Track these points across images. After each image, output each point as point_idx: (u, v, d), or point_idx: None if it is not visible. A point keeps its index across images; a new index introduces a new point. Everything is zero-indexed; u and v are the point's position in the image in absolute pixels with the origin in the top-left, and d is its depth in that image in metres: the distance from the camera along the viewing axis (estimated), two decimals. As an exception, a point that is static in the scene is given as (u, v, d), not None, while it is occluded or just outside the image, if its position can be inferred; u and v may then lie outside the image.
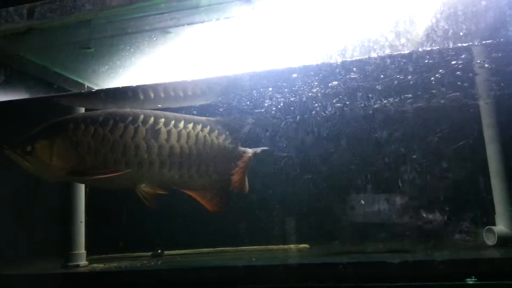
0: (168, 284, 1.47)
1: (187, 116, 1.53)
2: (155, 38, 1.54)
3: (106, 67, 1.71)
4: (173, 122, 1.48)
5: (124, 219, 1.98)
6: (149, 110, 1.52)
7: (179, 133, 1.48)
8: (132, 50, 1.59)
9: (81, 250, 1.80)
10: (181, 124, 1.49)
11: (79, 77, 1.79)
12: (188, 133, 1.49)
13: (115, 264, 1.81)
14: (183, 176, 1.49)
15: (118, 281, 1.54)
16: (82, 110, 1.86)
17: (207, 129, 1.52)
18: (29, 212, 1.92)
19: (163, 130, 1.47)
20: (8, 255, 1.78)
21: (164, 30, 1.52)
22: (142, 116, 1.47)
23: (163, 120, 1.48)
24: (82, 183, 1.75)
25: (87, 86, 1.79)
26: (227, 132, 1.56)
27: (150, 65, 1.71)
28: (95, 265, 1.82)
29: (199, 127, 1.51)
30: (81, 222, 1.80)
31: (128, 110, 1.51)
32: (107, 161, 1.44)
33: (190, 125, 1.50)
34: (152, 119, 1.47)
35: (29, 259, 1.86)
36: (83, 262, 1.79)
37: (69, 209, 1.80)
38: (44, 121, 1.54)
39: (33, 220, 1.95)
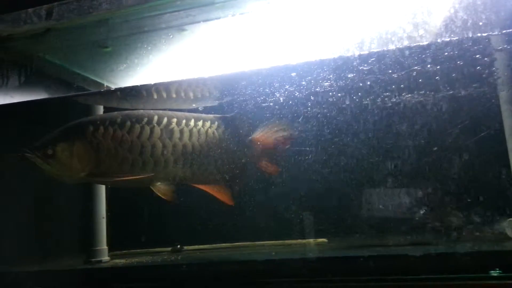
0: (190, 278, 1.49)
1: (195, 114, 1.59)
2: (171, 36, 1.55)
3: (124, 65, 1.72)
4: (184, 121, 1.54)
5: (143, 215, 2.00)
6: (161, 110, 1.57)
7: (190, 131, 1.54)
8: (149, 48, 1.61)
9: (103, 246, 1.84)
10: (192, 123, 1.55)
11: (97, 76, 1.81)
12: (198, 131, 1.55)
13: (136, 260, 1.85)
14: (196, 172, 1.56)
15: (141, 275, 1.57)
16: (101, 108, 1.89)
17: (214, 126, 1.58)
18: (51, 210, 1.96)
19: (176, 129, 1.53)
20: (32, 252, 1.83)
21: (180, 28, 1.53)
22: (156, 117, 1.52)
23: (175, 119, 1.54)
24: (101, 184, 1.79)
25: (106, 85, 1.82)
26: (233, 128, 1.61)
27: (167, 63, 1.72)
28: (117, 260, 1.85)
29: (207, 124, 1.57)
30: (103, 218, 1.83)
31: (141, 111, 1.56)
32: (125, 161, 1.48)
33: (200, 123, 1.56)
34: (165, 119, 1.53)
35: (53, 256, 1.90)
36: (105, 257, 1.83)
37: (91, 206, 1.83)
38: (64, 122, 1.57)
39: (55, 217, 1.98)
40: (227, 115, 1.64)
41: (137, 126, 1.50)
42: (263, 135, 1.62)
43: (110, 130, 1.49)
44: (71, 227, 2.00)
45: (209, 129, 1.57)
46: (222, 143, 1.59)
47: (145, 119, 1.51)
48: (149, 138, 1.50)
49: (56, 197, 1.94)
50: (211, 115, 1.61)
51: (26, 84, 1.75)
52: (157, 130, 1.51)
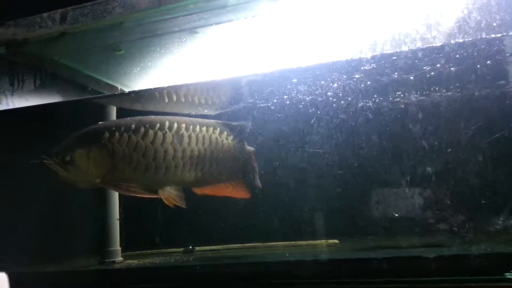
0: (203, 279, 1.50)
1: (199, 120, 1.65)
2: (184, 39, 1.56)
3: (138, 68, 1.74)
4: (191, 126, 1.60)
5: (155, 217, 2.02)
6: (171, 116, 1.62)
7: (197, 136, 1.60)
8: (162, 51, 1.62)
9: (117, 247, 1.86)
10: (198, 128, 1.61)
11: (111, 79, 1.83)
12: (203, 136, 1.61)
13: (149, 260, 1.86)
14: (203, 175, 1.62)
15: (155, 276, 1.58)
16: (114, 110, 1.92)
17: (217, 131, 1.65)
18: (67, 213, 1.99)
19: (185, 134, 1.58)
20: (47, 253, 1.85)
21: (192, 31, 1.54)
22: (167, 122, 1.57)
23: (184, 125, 1.59)
24: (113, 190, 1.81)
25: (120, 88, 1.84)
26: (234, 133, 1.69)
27: (180, 65, 1.74)
28: (130, 261, 1.87)
29: (211, 129, 1.64)
30: (117, 219, 1.85)
31: (152, 116, 1.60)
32: (139, 167, 1.52)
33: (204, 128, 1.62)
34: (175, 124, 1.58)
35: (66, 257, 1.92)
36: (118, 258, 1.85)
37: (105, 207, 1.85)
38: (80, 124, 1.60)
39: (70, 220, 2.01)
40: (228, 122, 1.71)
41: (151, 132, 1.54)
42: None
43: (125, 136, 1.52)
44: (85, 229, 2.02)
45: (212, 134, 1.64)
46: (225, 147, 1.66)
47: (158, 125, 1.55)
48: (162, 144, 1.54)
49: (71, 200, 1.97)
50: (213, 121, 1.68)
51: (41, 87, 1.78)
52: (169, 135, 1.56)
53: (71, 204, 1.97)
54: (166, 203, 1.55)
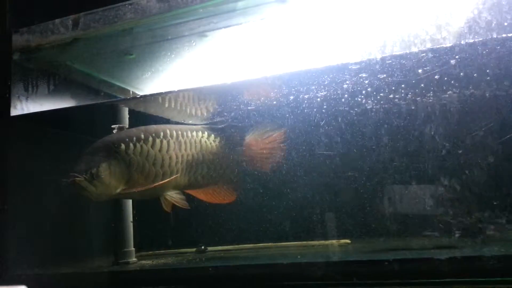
0: (215, 280, 1.52)
1: (189, 126, 1.75)
2: (194, 43, 1.58)
3: (149, 73, 1.77)
4: (186, 133, 1.69)
5: (167, 218, 2.05)
6: (168, 125, 1.70)
7: (190, 142, 1.69)
8: (172, 56, 1.64)
9: (131, 247, 1.89)
10: (189, 134, 1.71)
11: (123, 83, 1.86)
12: (194, 141, 1.71)
13: (162, 261, 1.89)
14: (195, 179, 1.71)
15: (169, 276, 1.61)
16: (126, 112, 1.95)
17: (205, 135, 1.74)
18: (81, 215, 2.02)
19: (183, 141, 1.67)
20: (66, 253, 1.89)
21: (201, 34, 1.56)
22: (168, 131, 1.66)
23: (180, 132, 1.68)
24: (124, 198, 1.86)
25: (132, 92, 1.86)
26: (221, 135, 1.78)
27: (190, 68, 1.75)
28: (144, 261, 1.90)
29: (200, 134, 1.73)
30: (131, 222, 1.89)
31: (154, 126, 1.68)
32: (150, 175, 1.60)
33: (194, 133, 1.72)
34: (174, 132, 1.67)
35: (81, 258, 1.96)
36: (132, 259, 1.88)
37: (119, 210, 1.88)
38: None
39: (86, 222, 2.05)
40: (213, 126, 1.80)
41: (158, 141, 1.61)
42: (254, 138, 1.78)
43: (138, 146, 1.59)
44: (100, 231, 2.06)
45: (201, 138, 1.73)
46: (214, 150, 1.75)
47: (161, 133, 1.63)
48: (167, 151, 1.63)
49: (86, 203, 2.00)
50: (200, 126, 1.77)
51: (55, 92, 1.81)
52: (172, 143, 1.64)
53: (86, 207, 2.00)
54: (165, 209, 1.64)
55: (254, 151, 1.77)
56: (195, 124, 1.81)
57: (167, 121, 1.82)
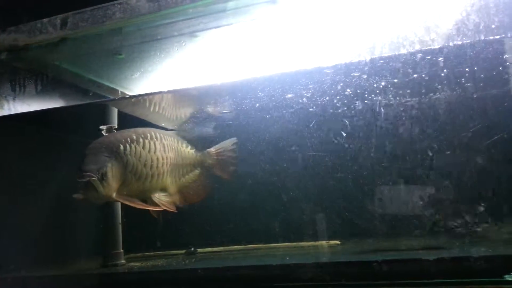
0: (205, 282, 1.51)
1: (162, 131, 1.78)
2: (184, 43, 1.57)
3: (138, 73, 1.75)
4: (164, 136, 1.73)
5: (157, 220, 2.03)
6: (151, 128, 1.73)
7: (169, 145, 1.74)
8: (162, 56, 1.63)
9: (119, 249, 1.87)
10: (168, 138, 1.75)
11: (112, 83, 1.84)
12: (171, 145, 1.75)
13: (151, 263, 1.88)
14: (174, 181, 1.75)
15: (158, 278, 1.60)
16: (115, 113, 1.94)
17: (175, 139, 1.79)
18: (71, 218, 2.00)
19: (166, 143, 1.72)
20: (54, 255, 1.87)
21: (192, 34, 1.55)
22: (153, 133, 1.69)
23: (160, 135, 1.71)
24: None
25: (121, 92, 1.85)
26: (185, 140, 1.84)
27: (180, 69, 1.75)
28: (132, 263, 1.89)
29: (170, 138, 1.77)
30: (119, 223, 1.87)
31: (141, 128, 1.69)
32: (141, 176, 1.60)
33: (170, 138, 1.76)
34: (158, 135, 1.70)
35: (70, 260, 1.94)
36: (121, 261, 1.86)
37: (107, 211, 1.86)
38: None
39: (74, 224, 2.03)
40: (178, 131, 1.86)
41: (146, 142, 1.63)
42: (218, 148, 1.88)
43: (133, 147, 1.59)
44: (88, 232, 2.04)
45: (172, 143, 1.77)
46: (182, 154, 1.81)
47: (149, 135, 1.66)
48: (154, 152, 1.65)
49: (74, 204, 1.98)
50: (169, 131, 1.82)
51: (43, 92, 1.79)
52: (157, 145, 1.67)
53: (74, 208, 1.98)
54: (153, 214, 1.67)
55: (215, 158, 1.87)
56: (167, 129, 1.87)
57: (146, 124, 1.85)
